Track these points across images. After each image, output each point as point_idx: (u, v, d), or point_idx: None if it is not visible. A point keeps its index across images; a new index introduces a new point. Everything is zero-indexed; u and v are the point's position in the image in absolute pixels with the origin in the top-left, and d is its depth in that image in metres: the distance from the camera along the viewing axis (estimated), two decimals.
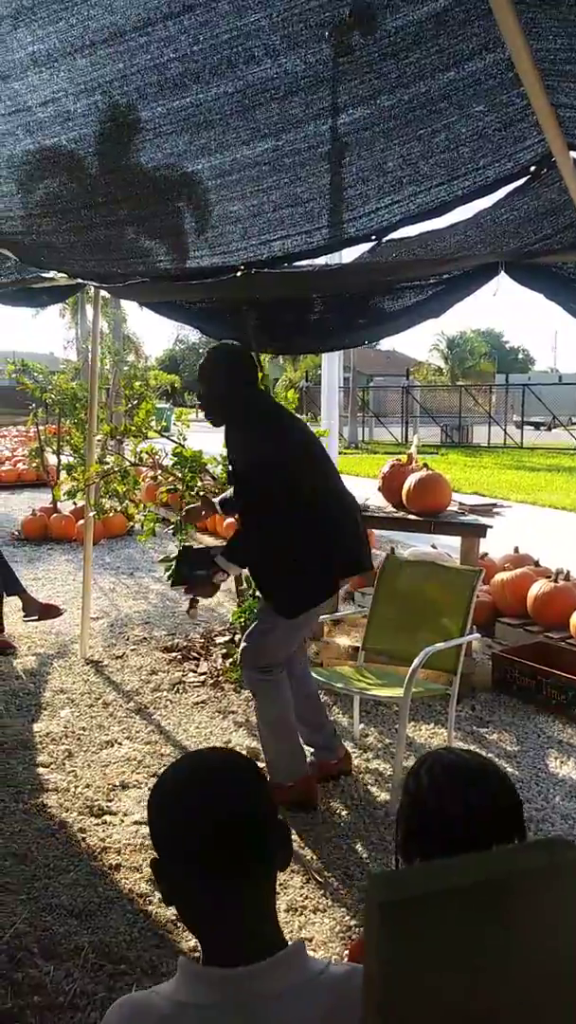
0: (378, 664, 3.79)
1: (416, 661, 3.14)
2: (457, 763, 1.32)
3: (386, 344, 44.17)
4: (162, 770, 1.12)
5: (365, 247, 2.94)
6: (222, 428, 3.19)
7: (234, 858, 1.00)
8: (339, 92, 1.97)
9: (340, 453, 11.39)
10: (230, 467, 3.28)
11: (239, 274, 3.28)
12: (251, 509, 3.07)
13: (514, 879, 0.82)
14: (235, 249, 2.93)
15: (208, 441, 5.43)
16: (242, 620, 4.80)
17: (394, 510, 4.87)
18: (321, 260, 3.31)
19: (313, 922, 2.45)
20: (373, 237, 2.79)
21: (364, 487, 5.56)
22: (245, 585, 5.00)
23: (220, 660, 4.79)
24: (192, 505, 3.86)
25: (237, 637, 4.93)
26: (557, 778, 3.42)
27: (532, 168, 2.38)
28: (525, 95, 1.93)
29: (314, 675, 3.47)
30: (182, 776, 1.10)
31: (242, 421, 3.10)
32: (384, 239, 2.80)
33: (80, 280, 3.94)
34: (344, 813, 3.11)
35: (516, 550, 6.19)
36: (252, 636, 3.10)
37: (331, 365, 6.67)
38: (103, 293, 4.54)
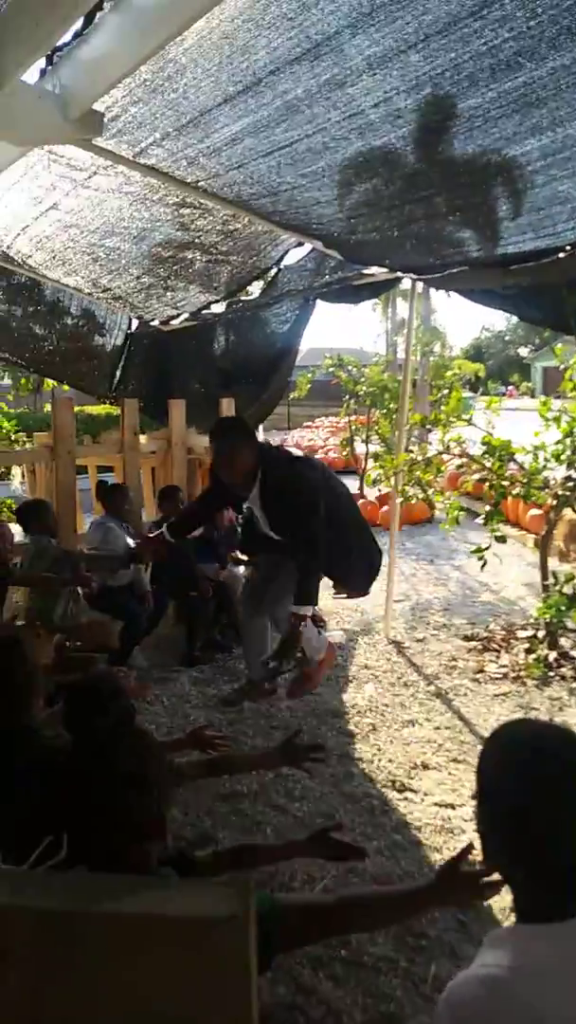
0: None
1: None
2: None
3: None
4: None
5: None
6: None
7: None
8: None
9: None
10: (260, 515, 3.47)
11: (562, 256, 3.12)
12: (318, 536, 3.30)
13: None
14: (560, 231, 2.79)
15: (516, 431, 5.27)
16: (548, 615, 4.60)
17: None
18: None
19: None
20: None
21: None
22: (552, 580, 4.77)
23: (522, 655, 4.64)
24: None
25: (540, 633, 4.74)
26: None
27: None
28: None
29: None
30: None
31: (287, 472, 3.35)
32: None
33: (399, 273, 4.04)
34: None
35: None
36: None
37: None
38: (418, 285, 4.61)
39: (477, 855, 1.46)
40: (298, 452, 3.71)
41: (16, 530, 4.45)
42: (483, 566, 4.59)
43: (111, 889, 1.09)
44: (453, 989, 1.09)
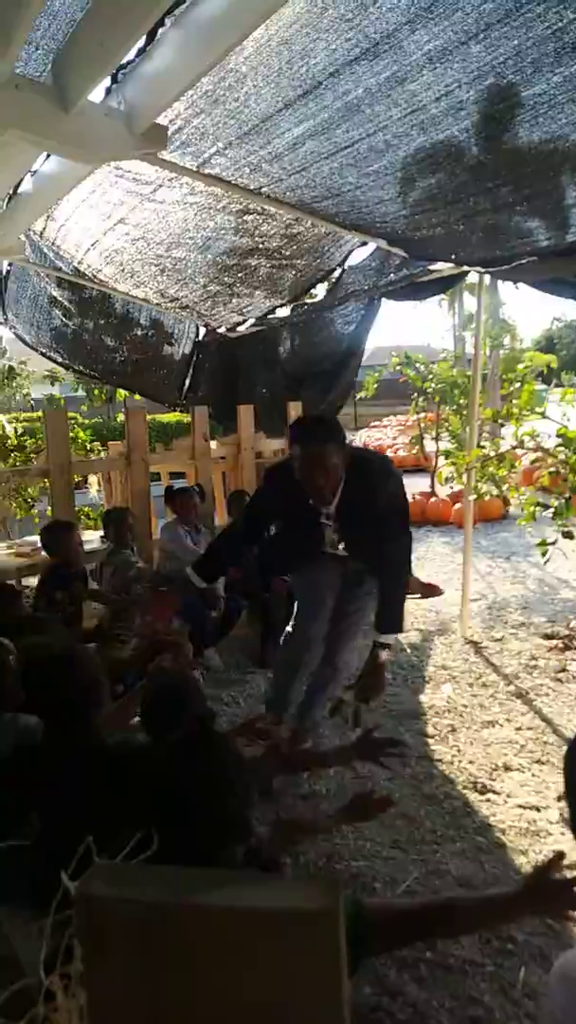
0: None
1: None
2: None
3: None
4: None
5: None
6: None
7: None
8: None
9: None
10: (331, 529, 3.00)
11: None
12: (410, 546, 3.10)
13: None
14: None
15: None
16: None
17: None
18: None
19: None
20: None
21: None
22: None
23: None
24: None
25: None
26: None
27: None
28: None
29: None
30: None
31: (379, 474, 2.97)
32: None
33: (466, 267, 3.99)
34: None
35: None
36: None
37: None
38: (486, 279, 4.53)
39: (569, 862, 1.43)
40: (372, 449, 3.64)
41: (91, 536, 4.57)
42: (546, 561, 4.50)
43: (206, 883, 1.11)
44: (569, 958, 1.09)
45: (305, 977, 1.01)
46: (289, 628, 3.37)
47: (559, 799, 2.96)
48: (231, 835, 1.43)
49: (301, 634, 3.29)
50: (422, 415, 10.80)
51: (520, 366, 5.95)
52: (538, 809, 2.94)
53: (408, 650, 4.85)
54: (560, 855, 1.42)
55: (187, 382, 6.08)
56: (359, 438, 16.51)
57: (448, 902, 1.62)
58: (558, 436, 4.80)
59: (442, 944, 2.22)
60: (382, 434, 17.30)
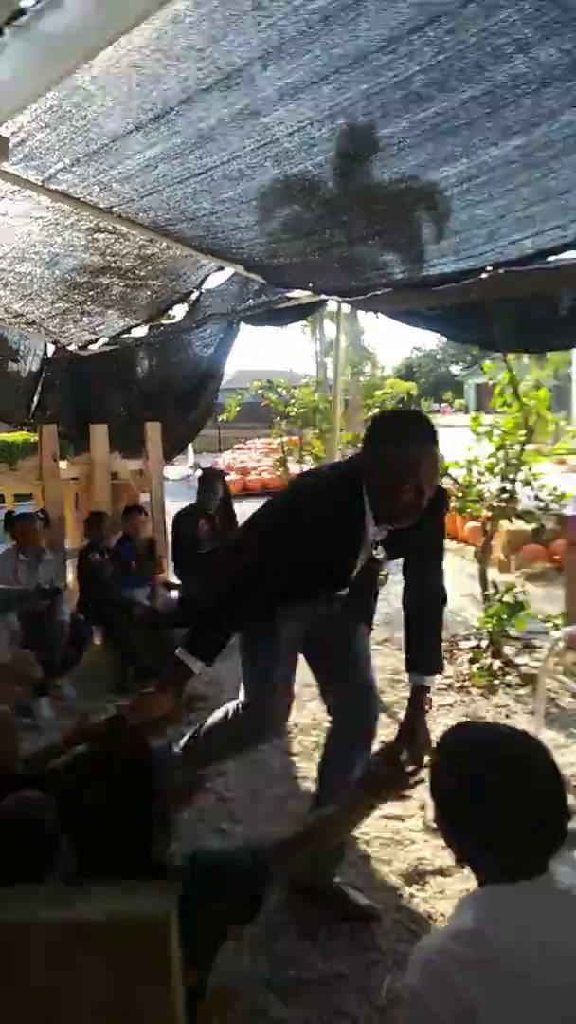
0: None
1: None
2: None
3: None
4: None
5: None
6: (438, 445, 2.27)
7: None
8: None
9: None
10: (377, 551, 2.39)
11: (485, 276, 3.16)
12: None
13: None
14: (481, 252, 2.82)
15: (451, 447, 5.32)
16: (489, 625, 4.64)
17: None
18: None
19: None
20: None
21: None
22: (492, 590, 4.83)
23: (466, 665, 4.67)
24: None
25: (483, 643, 4.78)
26: None
27: None
28: None
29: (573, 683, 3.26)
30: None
31: (442, 488, 2.46)
32: None
33: (323, 296, 4.04)
34: None
35: None
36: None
37: None
38: (344, 307, 4.62)
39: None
40: None
41: None
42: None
43: (44, 899, 1.17)
44: (425, 944, 1.18)
45: (139, 981, 1.05)
46: (246, 697, 2.59)
47: (422, 808, 3.02)
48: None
49: (269, 708, 2.57)
50: (286, 438, 10.94)
51: (379, 392, 6.13)
52: (401, 819, 2.99)
53: None
54: (390, 747, 1.82)
55: (35, 400, 5.80)
56: (223, 459, 16.50)
57: (316, 820, 1.84)
58: None
59: (307, 960, 2.22)
60: (246, 456, 17.38)
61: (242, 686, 2.58)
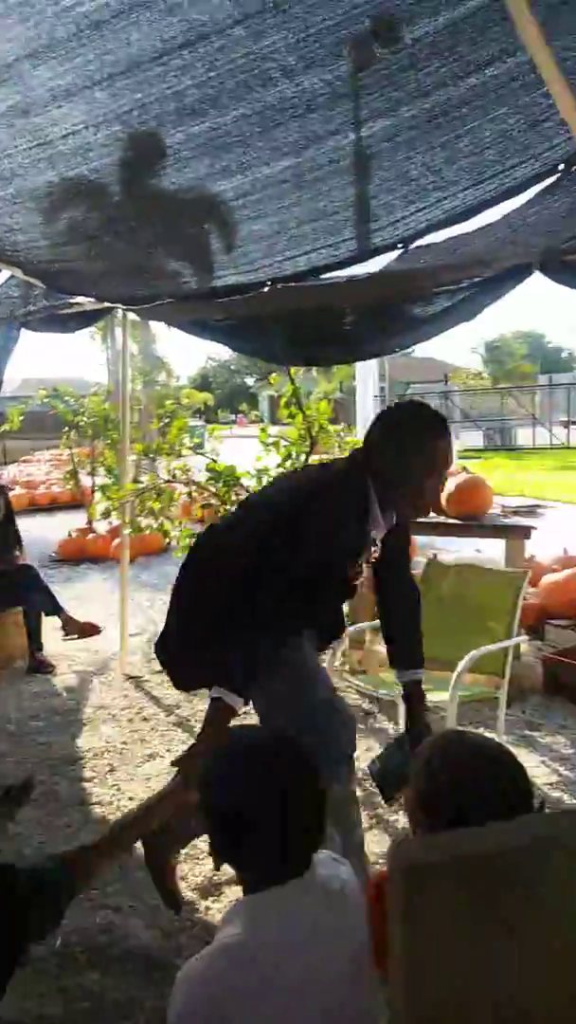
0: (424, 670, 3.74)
1: (462, 664, 3.10)
2: (475, 744, 1.37)
3: (422, 351, 43.44)
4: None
5: (393, 255, 2.92)
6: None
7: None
8: (359, 106, 1.96)
9: None
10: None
11: (266, 289, 3.28)
12: None
13: (541, 846, 0.82)
14: (260, 267, 2.92)
15: (236, 456, 5.43)
16: None
17: (434, 515, 4.81)
18: (350, 271, 3.29)
19: None
20: (400, 245, 2.76)
21: None
22: None
23: None
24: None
25: None
26: None
27: (560, 166, 2.33)
28: (549, 94, 1.90)
29: (358, 682, 3.42)
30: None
31: None
32: (411, 246, 2.77)
33: (108, 304, 3.97)
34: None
35: (565, 551, 6.06)
36: None
37: (366, 375, 6.61)
38: (131, 315, 4.58)
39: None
40: None
41: None
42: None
43: None
44: (190, 965, 1.19)
45: None
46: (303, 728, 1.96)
47: None
48: None
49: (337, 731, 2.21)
50: (76, 450, 10.57)
51: (168, 402, 6.13)
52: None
53: (64, 693, 4.65)
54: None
55: None
56: (8, 473, 15.61)
57: (123, 820, 1.85)
58: (208, 470, 5.02)
59: (99, 990, 2.18)
60: (34, 469, 16.56)
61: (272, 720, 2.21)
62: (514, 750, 1.26)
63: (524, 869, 0.79)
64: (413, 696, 2.43)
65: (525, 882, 0.79)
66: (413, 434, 2.09)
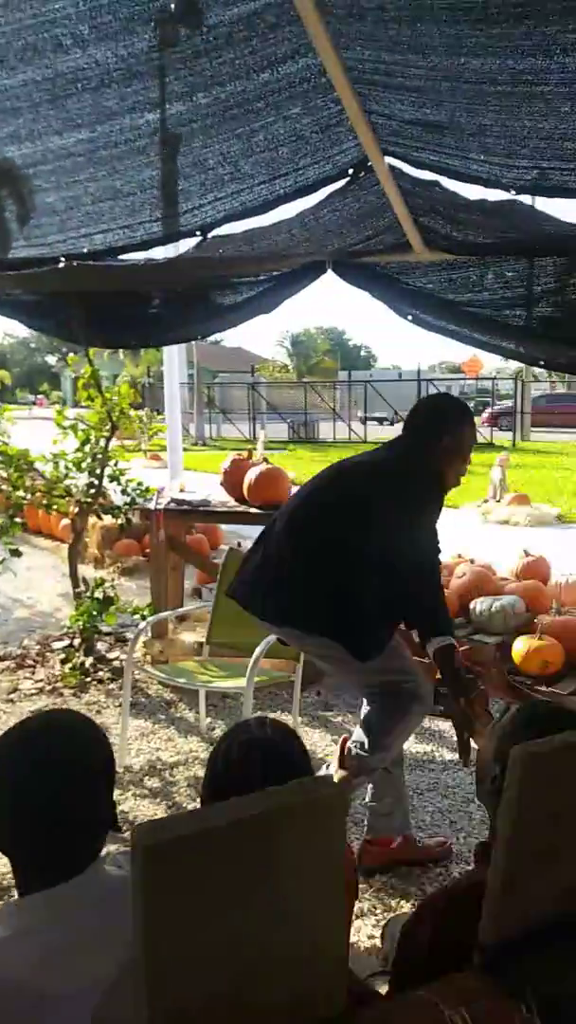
0: (223, 657, 3.80)
1: (257, 650, 3.17)
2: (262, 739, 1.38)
3: (232, 341, 43.86)
4: None
5: (192, 242, 2.91)
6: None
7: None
8: (158, 86, 1.93)
9: (186, 449, 11.19)
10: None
11: (61, 266, 3.14)
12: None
13: (273, 816, 0.87)
14: (53, 241, 2.80)
15: (35, 440, 5.17)
16: (80, 622, 4.64)
17: (236, 504, 4.88)
18: (148, 254, 3.24)
19: None
20: (198, 233, 2.77)
21: (211, 483, 5.52)
22: (83, 587, 4.83)
23: (58, 666, 4.61)
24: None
25: (76, 641, 4.76)
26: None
27: (350, 171, 2.45)
28: (339, 100, 1.98)
29: (158, 672, 3.45)
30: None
31: None
32: (209, 235, 2.78)
33: None
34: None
35: None
36: None
37: (172, 361, 6.52)
38: None
39: None
40: None
41: None
42: None
43: None
44: None
45: None
46: (397, 679, 2.43)
47: None
48: None
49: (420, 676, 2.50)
50: None
51: None
52: None
53: None
54: None
55: None
56: None
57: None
58: None
59: None
60: None
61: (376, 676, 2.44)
62: (308, 730, 1.35)
63: (261, 838, 0.84)
64: (449, 658, 2.40)
65: (260, 851, 0.84)
66: (461, 423, 2.45)
